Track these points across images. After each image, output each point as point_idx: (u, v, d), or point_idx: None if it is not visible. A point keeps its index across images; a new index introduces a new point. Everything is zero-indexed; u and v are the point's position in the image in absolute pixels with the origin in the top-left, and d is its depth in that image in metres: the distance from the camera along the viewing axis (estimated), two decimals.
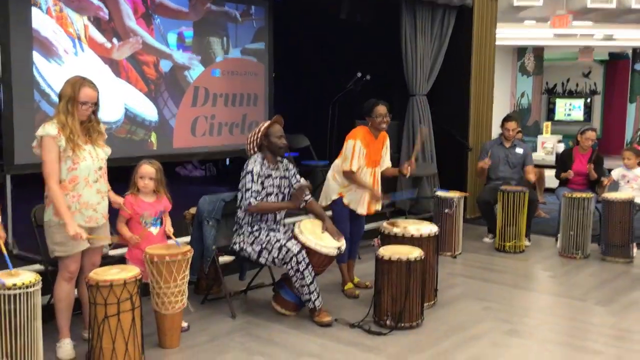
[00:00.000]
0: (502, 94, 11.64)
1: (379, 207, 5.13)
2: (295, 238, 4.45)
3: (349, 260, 5.15)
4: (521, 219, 6.40)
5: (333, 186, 5.02)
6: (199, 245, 4.61)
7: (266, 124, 4.60)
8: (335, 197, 4.98)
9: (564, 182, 6.96)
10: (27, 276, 3.35)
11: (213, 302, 4.78)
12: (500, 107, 9.88)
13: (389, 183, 5.31)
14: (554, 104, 14.01)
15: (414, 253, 4.35)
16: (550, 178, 8.13)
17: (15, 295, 3.22)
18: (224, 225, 4.78)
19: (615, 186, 6.78)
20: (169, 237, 4.26)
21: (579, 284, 5.52)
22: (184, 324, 4.21)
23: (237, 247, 4.56)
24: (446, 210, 6.31)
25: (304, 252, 4.34)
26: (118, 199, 4.03)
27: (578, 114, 13.86)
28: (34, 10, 5.37)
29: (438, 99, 7.79)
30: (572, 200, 6.26)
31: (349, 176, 4.90)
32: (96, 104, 3.74)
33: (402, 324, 4.29)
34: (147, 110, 6.37)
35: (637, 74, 12.94)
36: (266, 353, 3.93)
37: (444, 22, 7.61)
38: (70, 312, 3.85)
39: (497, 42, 8.26)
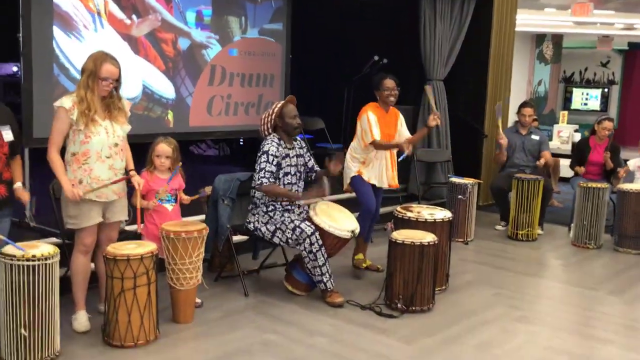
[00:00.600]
0: (519, 82, 11.55)
1: (395, 181, 5.16)
2: (310, 220, 4.48)
3: (363, 240, 5.16)
4: (535, 207, 6.39)
5: (351, 167, 5.06)
6: (213, 224, 4.65)
7: (279, 104, 4.61)
8: (354, 175, 5.01)
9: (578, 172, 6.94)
10: (45, 248, 3.40)
11: (226, 279, 4.83)
12: (517, 95, 9.81)
13: (401, 168, 5.33)
14: (571, 93, 13.90)
15: (427, 238, 4.36)
16: (565, 167, 8.10)
17: (34, 267, 3.27)
18: (238, 204, 4.82)
19: (630, 177, 6.74)
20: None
21: (590, 273, 5.52)
22: (198, 300, 4.26)
23: (251, 226, 4.59)
24: (460, 197, 6.31)
25: (317, 233, 4.36)
26: (138, 181, 3.95)
27: (595, 104, 13.75)
28: None
29: (455, 84, 7.76)
30: (587, 190, 6.24)
31: (376, 146, 4.91)
32: (118, 81, 3.76)
33: (413, 308, 4.32)
34: (165, 88, 6.39)
35: None
36: (278, 331, 3.97)
37: (464, 6, 7.55)
38: (86, 285, 3.91)
39: (516, 29, 8.19)
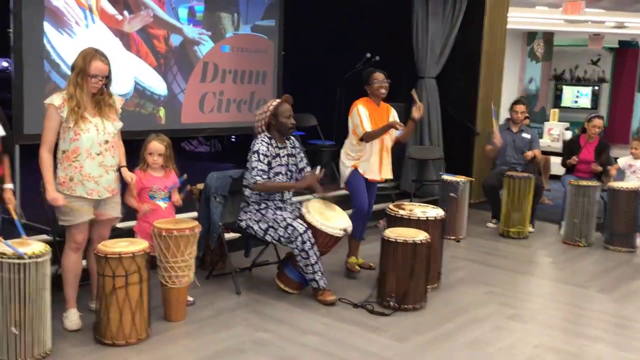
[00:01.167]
0: (511, 79, 11.57)
1: (389, 174, 5.14)
2: (302, 218, 4.47)
3: (355, 240, 5.16)
4: (526, 205, 6.41)
5: (347, 163, 5.04)
6: (205, 221, 4.64)
7: (275, 102, 4.60)
8: (350, 170, 5.00)
9: (570, 170, 6.95)
10: (36, 246, 3.38)
11: (218, 277, 4.82)
12: (508, 93, 9.84)
13: (394, 165, 5.33)
14: (561, 90, 13.94)
15: (420, 236, 4.37)
16: (555, 165, 8.12)
17: (25, 265, 3.26)
18: (230, 202, 4.81)
19: (620, 175, 6.78)
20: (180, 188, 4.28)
21: (581, 271, 5.55)
22: (190, 298, 4.25)
23: (243, 224, 4.58)
24: (451, 194, 6.32)
25: (309, 232, 4.36)
26: (131, 175, 3.96)
27: (585, 102, 13.80)
28: None
29: (447, 82, 7.76)
30: (578, 188, 6.27)
31: (368, 136, 4.87)
32: (107, 78, 3.74)
33: (406, 306, 4.32)
34: (157, 85, 6.36)
35: None
36: (270, 330, 3.97)
37: (456, 3, 7.56)
38: (78, 282, 3.89)
39: (508, 26, 8.20)
